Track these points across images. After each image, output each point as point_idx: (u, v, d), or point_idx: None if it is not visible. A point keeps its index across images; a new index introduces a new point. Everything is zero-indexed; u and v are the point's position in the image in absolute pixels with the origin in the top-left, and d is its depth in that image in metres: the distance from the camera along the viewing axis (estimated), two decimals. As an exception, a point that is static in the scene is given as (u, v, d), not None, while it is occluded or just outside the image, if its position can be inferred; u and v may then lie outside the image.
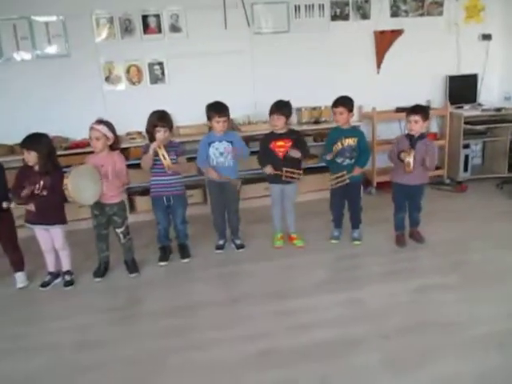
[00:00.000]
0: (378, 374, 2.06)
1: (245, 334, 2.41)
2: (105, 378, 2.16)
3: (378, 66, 4.97)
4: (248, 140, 4.08)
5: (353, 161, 3.30)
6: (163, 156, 3.03)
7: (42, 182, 2.89)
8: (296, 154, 3.27)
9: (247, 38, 4.66)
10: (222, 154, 3.33)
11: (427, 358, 2.13)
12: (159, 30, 4.54)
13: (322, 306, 2.63)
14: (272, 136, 3.39)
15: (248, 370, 2.13)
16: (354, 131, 3.37)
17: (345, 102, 3.28)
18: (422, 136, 3.17)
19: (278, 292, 2.82)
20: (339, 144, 3.29)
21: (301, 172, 3.32)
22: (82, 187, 2.86)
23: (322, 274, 3.03)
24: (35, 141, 2.89)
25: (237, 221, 3.48)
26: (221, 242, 3.52)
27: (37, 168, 2.92)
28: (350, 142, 3.28)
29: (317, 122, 4.58)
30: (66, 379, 2.17)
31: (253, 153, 3.61)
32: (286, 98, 3.39)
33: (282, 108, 3.30)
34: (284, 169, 3.28)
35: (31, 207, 2.88)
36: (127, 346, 2.39)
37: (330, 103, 4.55)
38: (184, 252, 3.40)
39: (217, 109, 3.25)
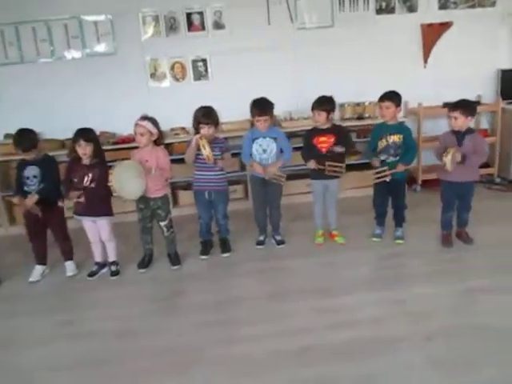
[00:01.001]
0: (423, 374, 2.00)
1: (284, 329, 2.40)
2: (145, 366, 2.21)
3: (425, 60, 4.81)
4: (289, 136, 4.06)
5: (397, 158, 3.21)
6: (203, 146, 3.04)
7: (90, 175, 3.01)
8: (340, 148, 3.22)
9: (290, 34, 4.64)
10: (265, 150, 3.32)
11: (475, 361, 2.05)
12: (203, 27, 4.60)
13: (362, 304, 2.59)
14: (315, 131, 3.36)
15: (287, 366, 2.12)
16: (401, 128, 3.27)
17: (392, 97, 3.19)
18: (469, 131, 3.05)
19: (318, 289, 2.80)
20: (384, 141, 3.21)
21: (343, 166, 3.26)
22: (126, 182, 2.94)
23: (363, 272, 2.99)
24: (92, 134, 3.02)
25: (278, 217, 3.48)
26: (261, 238, 3.53)
27: (86, 161, 3.03)
28: (395, 138, 3.20)
29: (360, 118, 4.50)
30: (110, 365, 2.25)
31: (294, 149, 3.58)
32: (328, 94, 3.35)
33: (323, 104, 3.27)
34: (327, 163, 3.24)
35: (82, 199, 2.99)
36: (168, 337, 2.45)
37: (373, 99, 4.48)
38: (225, 246, 3.43)
39: (258, 107, 3.24)
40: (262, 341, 2.33)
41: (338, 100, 3.54)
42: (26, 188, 3.11)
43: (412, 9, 4.71)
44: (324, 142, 3.30)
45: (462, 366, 2.04)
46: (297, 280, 2.95)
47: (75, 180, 3.02)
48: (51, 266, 3.40)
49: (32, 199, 3.05)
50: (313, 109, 3.30)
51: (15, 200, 3.10)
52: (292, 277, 3.01)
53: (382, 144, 3.22)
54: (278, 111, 4.18)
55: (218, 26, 4.60)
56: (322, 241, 3.45)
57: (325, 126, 3.31)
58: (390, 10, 4.70)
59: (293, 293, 2.78)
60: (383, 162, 3.23)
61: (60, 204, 3.06)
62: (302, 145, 3.51)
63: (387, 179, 3.20)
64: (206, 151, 3.04)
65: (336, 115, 4.21)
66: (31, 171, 3.12)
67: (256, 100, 3.28)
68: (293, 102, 4.58)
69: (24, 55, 4.57)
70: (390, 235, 3.43)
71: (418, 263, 3.06)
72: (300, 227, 3.76)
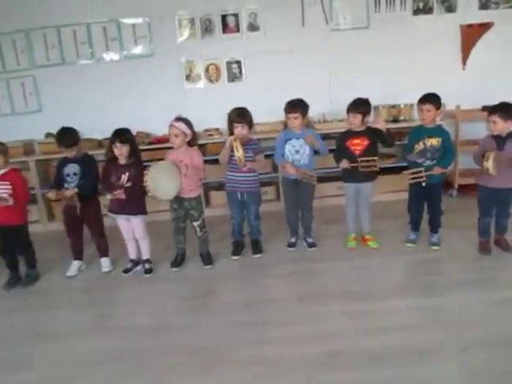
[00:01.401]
0: (456, 386, 1.95)
1: (315, 332, 2.39)
2: (178, 362, 2.24)
3: (464, 62, 4.69)
4: (323, 138, 4.04)
5: (434, 162, 3.14)
6: (236, 148, 3.05)
7: (126, 174, 3.08)
8: (382, 124, 3.16)
9: (325, 35, 4.62)
10: (297, 151, 3.32)
11: (513, 374, 1.99)
12: (237, 29, 4.64)
13: (395, 310, 2.54)
14: (349, 134, 3.33)
15: (317, 369, 2.11)
16: (439, 131, 3.18)
17: (433, 99, 3.11)
18: (511, 135, 2.95)
19: (350, 293, 2.77)
20: (421, 144, 3.15)
21: (376, 159, 3.20)
22: (161, 183, 2.99)
23: (396, 278, 2.93)
24: (128, 135, 3.10)
25: (310, 219, 3.46)
26: (293, 240, 3.52)
27: (122, 161, 3.11)
28: (433, 142, 3.12)
29: (395, 121, 4.43)
30: (143, 360, 2.29)
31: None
32: (363, 96, 3.31)
33: (359, 106, 3.23)
34: (360, 158, 3.20)
35: (121, 195, 3.07)
36: (199, 335, 2.47)
37: (409, 101, 4.43)
38: (256, 247, 3.45)
39: (289, 105, 3.26)
40: (292, 343, 2.32)
41: (372, 102, 3.49)
42: (65, 185, 3.23)
43: (451, 9, 4.61)
44: (358, 145, 3.27)
45: (498, 379, 1.97)
46: (328, 283, 2.93)
47: (112, 179, 3.10)
48: (87, 261, 3.50)
49: (72, 191, 3.15)
50: (348, 111, 3.27)
51: (51, 194, 3.20)
52: (323, 280, 2.99)
53: (419, 147, 3.16)
54: (311, 113, 4.15)
55: (253, 27, 4.63)
56: (354, 245, 3.41)
57: (359, 129, 3.27)
58: (427, 10, 4.61)
59: (324, 296, 2.76)
60: (419, 166, 3.17)
61: (102, 199, 3.13)
62: (335, 147, 3.48)
63: (423, 183, 3.13)
64: (239, 153, 3.06)
65: (370, 117, 4.17)
66: (71, 169, 3.23)
67: (290, 100, 3.29)
68: (327, 104, 4.57)
69: (65, 57, 4.74)
70: (425, 241, 3.35)
71: (454, 270, 2.98)
72: (332, 230, 3.73)
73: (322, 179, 4.20)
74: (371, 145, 3.25)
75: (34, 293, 3.20)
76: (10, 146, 3.29)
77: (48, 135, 4.63)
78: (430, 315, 2.47)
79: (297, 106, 3.24)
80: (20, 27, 4.65)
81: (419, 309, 2.54)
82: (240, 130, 3.18)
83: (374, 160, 3.19)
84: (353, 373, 2.07)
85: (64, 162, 3.29)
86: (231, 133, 3.25)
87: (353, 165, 3.21)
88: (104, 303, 2.96)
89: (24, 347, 2.51)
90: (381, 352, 2.18)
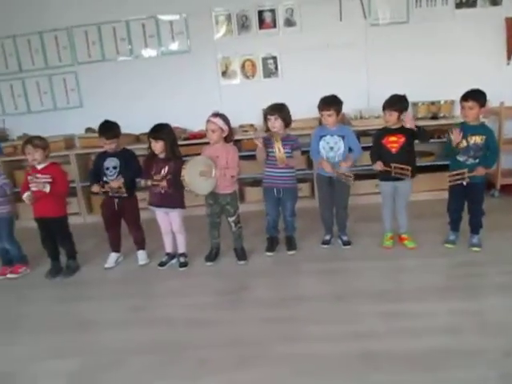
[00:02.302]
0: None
1: (349, 332, 2.36)
2: (211, 356, 2.27)
3: (509, 57, 4.51)
4: (359, 135, 3.98)
5: (477, 160, 3.04)
6: (279, 149, 3.04)
7: (166, 168, 3.13)
8: (410, 123, 3.09)
9: (363, 30, 4.55)
10: (332, 148, 3.28)
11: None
12: (274, 25, 4.62)
13: (432, 312, 2.47)
14: (385, 131, 3.26)
15: (350, 369, 2.08)
16: (483, 128, 3.07)
17: (477, 96, 2.99)
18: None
19: (384, 293, 2.72)
20: (464, 141, 3.05)
21: (409, 168, 3.12)
22: (197, 178, 3.02)
23: (433, 279, 2.85)
24: (162, 131, 3.14)
25: (345, 217, 3.42)
26: (327, 237, 3.49)
27: (162, 156, 3.16)
28: (477, 140, 3.02)
29: (434, 118, 4.31)
30: (177, 352, 2.33)
31: (363, 148, 3.50)
32: (401, 92, 3.23)
33: (395, 103, 3.16)
34: (393, 165, 3.14)
35: (163, 184, 3.12)
36: (233, 330, 2.49)
37: (450, 97, 4.30)
38: (291, 244, 3.44)
39: (323, 102, 3.21)
40: (325, 341, 2.30)
41: (411, 98, 3.41)
42: (105, 178, 3.31)
43: (495, 2, 4.44)
44: (394, 142, 3.20)
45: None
46: (363, 282, 2.89)
47: (152, 173, 3.16)
48: (125, 254, 3.59)
49: (118, 182, 3.23)
50: (384, 108, 3.21)
51: (95, 188, 3.29)
52: (358, 279, 2.94)
53: (461, 145, 3.06)
54: (348, 109, 4.14)
55: (290, 23, 4.61)
56: (390, 244, 3.34)
57: (396, 126, 3.20)
58: (471, 3, 4.45)
59: (359, 295, 2.72)
60: (461, 164, 3.07)
61: (143, 183, 3.19)
62: (371, 144, 3.42)
63: (464, 182, 3.04)
64: (281, 154, 3.05)
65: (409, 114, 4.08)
66: (111, 162, 3.31)
67: (323, 96, 3.25)
68: (364, 101, 4.50)
69: (105, 54, 4.85)
70: (465, 242, 3.25)
71: (495, 273, 2.87)
72: (367, 229, 3.67)
73: (358, 177, 4.13)
74: (408, 142, 3.17)
75: (74, 283, 3.31)
76: (52, 140, 3.41)
77: (88, 130, 4.77)
78: (469, 319, 2.39)
79: (330, 103, 3.20)
80: (62, 25, 4.79)
81: (458, 312, 2.46)
82: (273, 122, 3.17)
83: (407, 169, 3.11)
84: (387, 375, 2.03)
85: (103, 155, 3.37)
86: (267, 129, 3.25)
87: (386, 169, 3.16)
88: (140, 295, 3.02)
89: (66, 335, 2.60)
90: (417, 355, 2.13)
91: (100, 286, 3.21)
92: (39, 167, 3.24)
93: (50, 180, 3.20)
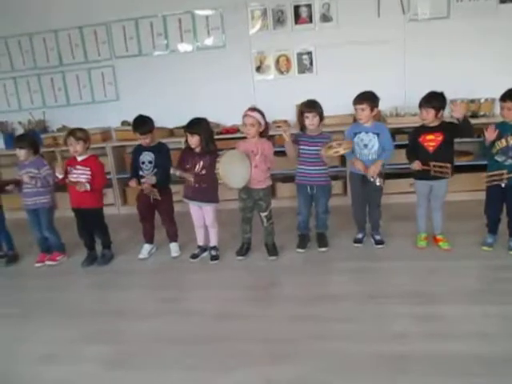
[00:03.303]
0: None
1: (380, 332, 2.33)
2: (239, 350, 2.28)
3: (554, 55, 4.33)
4: (395, 133, 3.92)
5: (517, 162, 2.94)
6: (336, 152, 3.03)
7: (201, 163, 3.17)
8: (459, 111, 2.95)
9: (401, 26, 4.45)
10: (366, 145, 3.23)
11: None
12: (310, 20, 4.58)
13: (468, 316, 2.41)
14: (422, 129, 3.18)
15: (378, 370, 2.06)
16: (525, 128, 2.97)
17: None
18: None
19: (417, 294, 2.67)
20: (503, 141, 2.95)
21: (449, 166, 3.05)
22: (232, 172, 3.04)
23: (469, 282, 2.78)
24: (198, 125, 3.17)
25: (378, 216, 3.37)
26: (359, 236, 3.46)
27: (197, 150, 3.20)
28: (517, 140, 2.93)
29: (474, 116, 4.18)
30: (207, 345, 2.35)
31: (398, 146, 3.45)
32: (439, 90, 3.15)
33: (432, 100, 3.07)
34: (432, 163, 3.07)
35: (190, 178, 3.16)
36: (262, 325, 2.50)
37: (490, 95, 4.16)
38: (322, 241, 3.42)
39: (357, 96, 3.17)
40: (355, 341, 2.28)
41: (449, 96, 3.32)
42: (140, 172, 3.38)
43: (542, -4, 4.25)
44: (431, 141, 3.12)
45: None
46: (396, 283, 2.84)
47: (187, 166, 3.20)
48: (158, 245, 3.66)
49: (150, 180, 3.29)
50: (420, 106, 3.13)
51: (132, 183, 3.36)
52: (391, 279, 2.90)
53: (500, 144, 2.96)
54: (383, 106, 4.06)
55: (326, 18, 4.56)
56: (424, 244, 3.28)
57: (433, 124, 3.12)
58: (515, -2, 4.28)
59: (391, 296, 2.69)
60: (500, 165, 2.98)
61: (172, 171, 3.22)
62: (407, 142, 3.36)
63: (502, 184, 2.94)
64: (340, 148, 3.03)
65: (446, 112, 3.98)
66: (146, 157, 3.37)
67: (360, 92, 3.21)
68: (400, 98, 4.40)
69: (142, 48, 4.93)
70: (503, 245, 3.15)
71: (534, 278, 2.79)
72: (401, 228, 3.61)
73: (392, 175, 4.08)
74: (446, 141, 3.08)
75: (109, 272, 3.40)
76: (90, 132, 3.49)
77: (124, 123, 4.87)
78: (505, 324, 2.33)
79: (364, 98, 3.15)
80: (101, 20, 4.90)
81: (493, 316, 2.39)
82: (311, 119, 3.16)
83: (446, 167, 3.03)
84: (414, 378, 2.00)
85: (139, 149, 3.43)
86: (301, 125, 3.24)
87: (424, 167, 3.09)
88: (172, 286, 3.08)
89: (102, 321, 2.69)
90: (447, 359, 2.08)
91: (134, 276, 3.30)
92: (79, 159, 3.34)
93: (88, 172, 3.29)
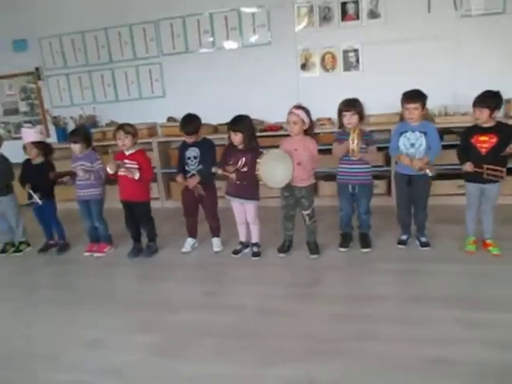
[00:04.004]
0: None
1: (423, 336, 2.27)
2: (279, 346, 2.29)
3: None
4: (443, 132, 3.80)
5: None
6: (352, 140, 2.98)
7: (244, 159, 3.20)
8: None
9: (452, 22, 4.30)
10: (412, 144, 3.15)
11: None
12: (357, 17, 4.51)
13: (513, 324, 2.33)
14: (475, 130, 3.06)
15: (420, 374, 2.01)
16: None
17: None
18: None
19: (463, 299, 2.59)
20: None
21: (504, 170, 2.94)
22: (272, 172, 3.04)
23: (518, 290, 2.68)
24: (241, 123, 3.20)
25: (424, 217, 3.28)
26: (404, 237, 3.39)
27: (240, 147, 3.23)
28: None
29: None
30: (247, 340, 2.39)
31: (446, 147, 3.34)
32: (494, 88, 3.03)
33: (486, 100, 2.95)
34: (485, 166, 2.96)
35: (233, 176, 3.20)
36: (302, 322, 2.50)
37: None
38: (365, 241, 3.37)
39: (409, 94, 3.09)
40: (396, 343, 2.24)
41: (504, 95, 3.18)
42: (186, 168, 3.45)
43: None
44: (484, 142, 3.00)
45: None
46: (441, 286, 2.76)
47: (230, 163, 3.24)
48: (200, 240, 3.73)
49: (195, 179, 3.36)
50: (474, 105, 3.01)
51: (179, 178, 3.44)
52: (436, 282, 2.83)
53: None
54: (431, 105, 3.94)
55: (373, 14, 4.47)
56: (473, 249, 3.16)
57: (487, 125, 3.01)
58: None
59: (435, 299, 2.62)
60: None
61: (213, 170, 3.26)
62: (455, 142, 3.25)
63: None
64: (354, 145, 2.99)
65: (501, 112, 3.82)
66: (192, 152, 3.43)
67: (408, 90, 3.12)
68: (449, 96, 4.26)
69: (188, 45, 5.02)
70: (558, 252, 3.01)
71: None
72: (448, 231, 3.50)
73: (439, 176, 3.94)
74: (500, 143, 2.95)
75: (153, 264, 3.51)
76: (137, 127, 3.60)
77: (169, 119, 4.98)
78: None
79: (416, 96, 3.07)
80: (150, 18, 5.03)
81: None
82: (348, 118, 3.12)
83: (501, 171, 2.91)
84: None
85: (185, 145, 3.50)
86: (340, 124, 3.21)
87: (477, 170, 2.97)
88: (214, 280, 3.14)
89: (146, 311, 2.78)
90: (491, 367, 2.01)
91: (177, 269, 3.38)
92: (127, 153, 3.45)
93: (136, 166, 3.39)
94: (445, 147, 3.32)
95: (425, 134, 3.12)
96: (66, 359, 2.37)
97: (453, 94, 4.27)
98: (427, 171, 3.04)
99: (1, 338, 2.64)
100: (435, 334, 2.29)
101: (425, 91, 3.13)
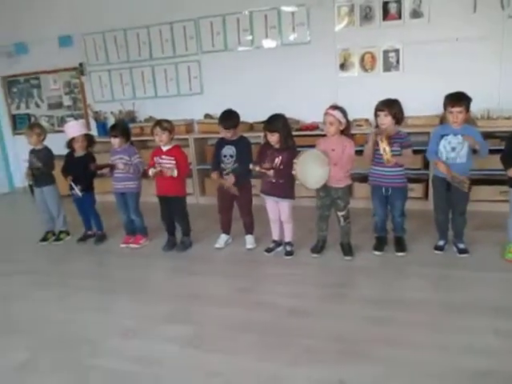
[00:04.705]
0: None
1: (458, 345, 2.22)
2: (310, 346, 2.29)
3: None
4: (485, 137, 3.68)
5: None
6: (384, 150, 2.94)
7: (280, 158, 3.20)
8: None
9: (499, 22, 4.16)
10: (453, 148, 3.07)
11: None
12: (399, 16, 4.43)
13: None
14: (524, 134, 2.98)
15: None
16: None
17: None
18: None
19: (504, 309, 2.51)
20: None
21: None
22: (309, 172, 3.04)
23: None
24: (277, 123, 3.20)
25: (462, 223, 3.20)
26: (441, 243, 3.31)
27: (277, 146, 3.24)
28: None
29: None
30: (277, 338, 2.39)
31: (489, 151, 3.22)
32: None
33: None
34: None
35: (270, 173, 3.20)
36: (334, 324, 2.48)
37: None
38: (400, 245, 3.32)
39: (454, 97, 3.00)
40: (429, 350, 2.19)
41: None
42: (222, 165, 3.49)
43: None
44: (533, 147, 2.91)
45: None
46: (479, 295, 2.69)
47: (266, 161, 3.25)
48: (234, 236, 3.77)
49: (231, 180, 3.40)
50: (520, 108, 2.93)
51: (214, 175, 3.49)
52: (474, 290, 2.75)
53: None
54: (473, 108, 3.82)
55: (416, 14, 4.38)
56: (514, 257, 3.08)
57: (535, 129, 2.91)
58: None
59: (472, 307, 2.55)
60: None
61: (251, 166, 3.30)
62: (498, 147, 3.15)
63: None
64: (387, 155, 2.94)
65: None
66: (228, 150, 3.47)
67: (451, 92, 3.05)
68: (493, 100, 4.13)
69: (227, 44, 5.06)
70: None
71: None
72: (487, 238, 3.41)
73: (480, 181, 3.85)
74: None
75: (187, 258, 3.57)
76: (174, 124, 3.66)
77: (206, 116, 5.05)
78: None
79: (462, 99, 2.99)
80: (191, 16, 5.10)
81: None
82: (382, 118, 3.07)
83: None
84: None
85: (221, 143, 3.54)
86: (376, 125, 3.16)
87: None
88: (246, 277, 3.16)
89: (180, 303, 2.84)
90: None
91: (210, 264, 3.43)
92: (164, 149, 3.52)
93: (173, 161, 3.46)
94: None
95: (467, 137, 3.04)
96: (105, 346, 2.45)
97: (497, 97, 4.14)
98: (464, 185, 2.96)
99: (47, 322, 2.76)
100: (470, 343, 2.23)
101: (467, 94, 3.05)
